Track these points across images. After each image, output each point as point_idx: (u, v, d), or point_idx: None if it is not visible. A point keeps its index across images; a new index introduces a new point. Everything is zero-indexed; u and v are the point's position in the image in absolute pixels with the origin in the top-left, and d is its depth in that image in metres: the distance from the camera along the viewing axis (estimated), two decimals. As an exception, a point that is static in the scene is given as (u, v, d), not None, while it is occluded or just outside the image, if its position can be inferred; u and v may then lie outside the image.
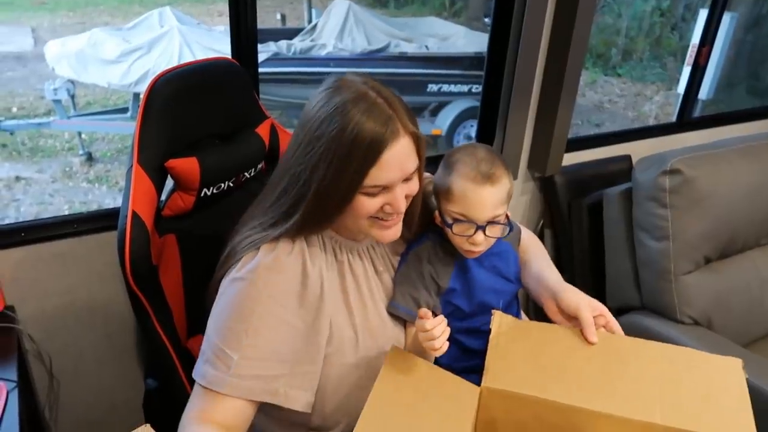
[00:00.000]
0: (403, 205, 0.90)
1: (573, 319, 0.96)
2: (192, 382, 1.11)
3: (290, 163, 0.91)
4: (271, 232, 0.91)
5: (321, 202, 0.88)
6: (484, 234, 0.97)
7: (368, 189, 0.87)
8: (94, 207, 4.35)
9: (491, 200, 0.96)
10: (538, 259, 1.10)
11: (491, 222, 0.97)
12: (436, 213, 1.02)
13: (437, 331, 0.86)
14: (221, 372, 0.86)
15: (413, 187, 0.93)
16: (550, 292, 1.01)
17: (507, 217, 1.00)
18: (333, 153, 0.85)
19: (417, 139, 0.89)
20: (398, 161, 0.86)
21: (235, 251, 0.93)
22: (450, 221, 0.98)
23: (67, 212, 4.19)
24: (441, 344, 0.87)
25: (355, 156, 0.84)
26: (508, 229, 0.99)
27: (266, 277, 0.89)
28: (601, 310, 0.96)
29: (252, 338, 0.87)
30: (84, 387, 1.49)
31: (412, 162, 0.89)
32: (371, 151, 0.84)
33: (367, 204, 0.89)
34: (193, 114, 1.11)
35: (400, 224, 0.95)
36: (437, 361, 0.95)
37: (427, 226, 1.08)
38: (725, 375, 0.87)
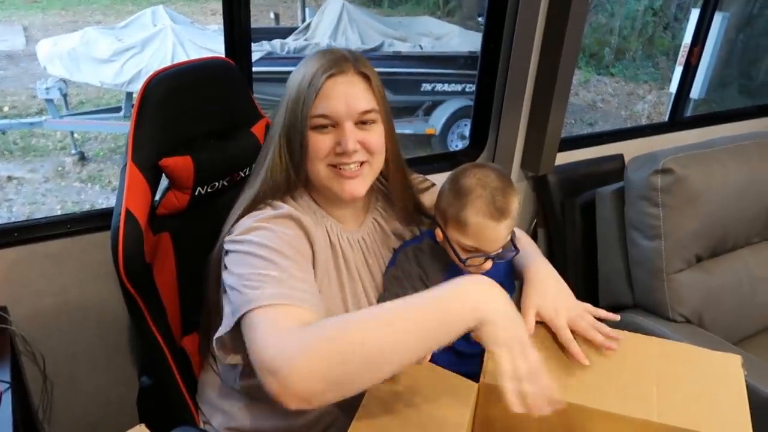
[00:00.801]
0: (352, 146, 0.90)
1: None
2: (187, 379, 1.11)
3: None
4: (260, 193, 0.94)
5: (287, 145, 0.93)
6: (494, 261, 0.98)
7: (316, 120, 0.90)
8: (86, 207, 4.33)
9: (506, 232, 0.96)
10: (523, 256, 1.09)
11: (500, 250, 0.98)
12: (438, 231, 1.00)
13: None
14: (275, 287, 0.80)
15: (372, 137, 0.93)
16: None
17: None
18: (289, 96, 0.93)
19: (369, 81, 0.92)
20: (343, 93, 0.90)
21: (231, 219, 0.94)
22: (464, 257, 0.96)
23: (59, 212, 4.17)
24: None
25: (303, 89, 0.90)
26: (514, 252, 0.99)
27: (280, 223, 0.89)
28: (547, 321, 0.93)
29: (291, 262, 0.84)
30: (78, 387, 1.48)
31: (363, 100, 0.91)
32: (315, 78, 0.89)
33: (319, 142, 0.91)
34: (188, 113, 1.11)
35: (363, 180, 0.95)
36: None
37: (418, 224, 1.09)
38: (724, 371, 0.87)
